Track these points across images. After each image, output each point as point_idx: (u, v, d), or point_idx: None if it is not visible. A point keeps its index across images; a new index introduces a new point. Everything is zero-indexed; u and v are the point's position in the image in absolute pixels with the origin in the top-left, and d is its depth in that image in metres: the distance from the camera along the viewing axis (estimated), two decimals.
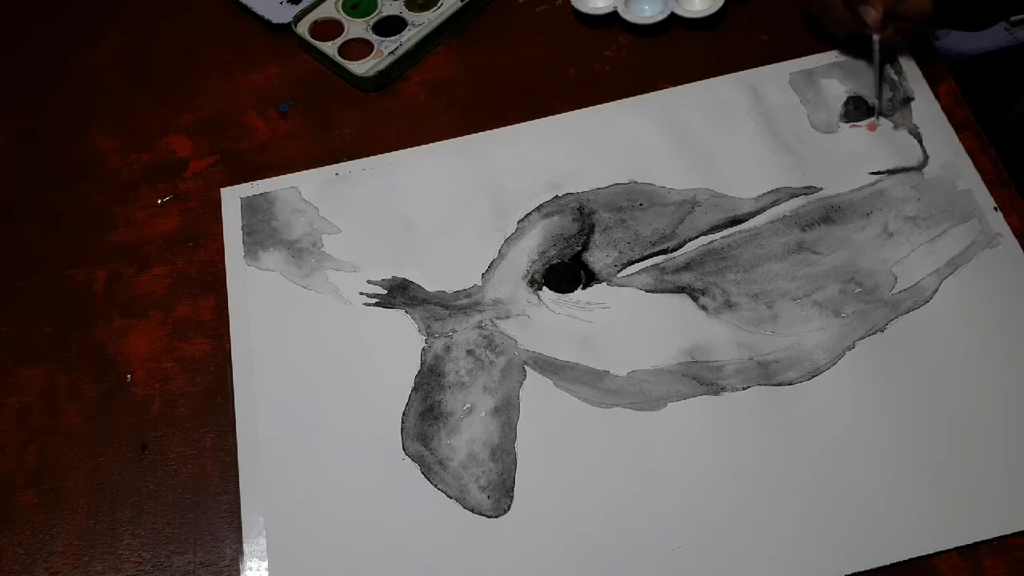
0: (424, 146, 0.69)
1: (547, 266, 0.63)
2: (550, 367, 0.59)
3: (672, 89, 0.70)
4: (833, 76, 0.69)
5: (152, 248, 0.67)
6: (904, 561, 0.51)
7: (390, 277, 0.63)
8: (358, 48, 0.74)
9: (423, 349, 0.60)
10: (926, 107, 0.66)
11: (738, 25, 0.73)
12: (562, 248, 0.64)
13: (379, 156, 0.69)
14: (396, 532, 0.54)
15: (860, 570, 0.51)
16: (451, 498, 0.55)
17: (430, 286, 0.63)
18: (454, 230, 0.65)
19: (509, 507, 0.55)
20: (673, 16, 0.72)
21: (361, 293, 0.63)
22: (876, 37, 0.65)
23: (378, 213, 0.66)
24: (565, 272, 0.63)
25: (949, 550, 0.51)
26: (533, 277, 0.63)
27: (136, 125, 0.73)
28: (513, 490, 0.55)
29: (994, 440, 0.54)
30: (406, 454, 0.57)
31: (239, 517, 0.56)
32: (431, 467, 0.56)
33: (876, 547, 0.52)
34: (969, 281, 0.59)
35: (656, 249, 0.63)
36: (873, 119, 0.66)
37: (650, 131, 0.68)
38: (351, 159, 0.69)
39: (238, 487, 0.57)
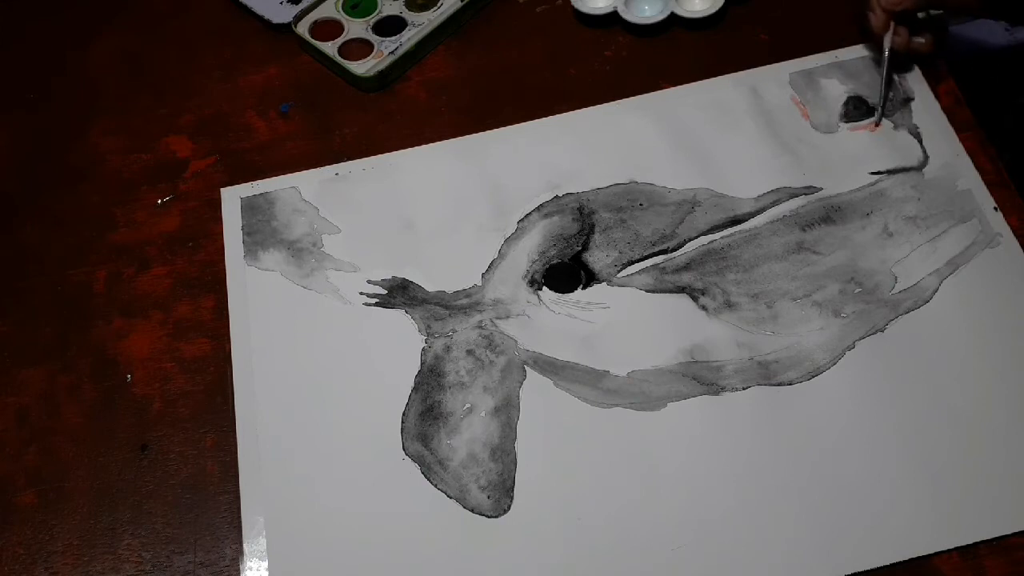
0: (424, 146, 0.69)
1: (547, 266, 0.63)
2: (550, 367, 0.59)
3: (672, 89, 0.70)
4: (833, 76, 0.69)
5: (152, 248, 0.67)
6: (904, 561, 0.51)
7: (390, 277, 0.63)
8: (358, 48, 0.74)
9: (423, 349, 0.60)
10: (926, 107, 0.67)
11: (738, 25, 0.73)
12: (562, 248, 0.64)
13: (379, 156, 0.69)
14: (396, 532, 0.54)
15: (860, 570, 0.51)
16: (451, 498, 0.55)
17: (430, 286, 0.63)
18: (454, 230, 0.65)
19: (509, 507, 0.55)
20: (673, 16, 0.72)
21: (361, 293, 0.63)
22: (886, 41, 0.65)
23: (378, 213, 0.66)
24: (565, 272, 0.63)
25: (949, 550, 0.51)
26: (533, 277, 0.63)
27: (136, 125, 0.73)
28: (513, 490, 0.55)
29: (994, 440, 0.54)
30: (406, 454, 0.57)
31: (239, 517, 0.56)
32: (431, 467, 0.56)
33: (876, 547, 0.52)
34: (969, 281, 0.59)
35: (656, 249, 0.63)
36: (873, 120, 0.66)
37: (650, 131, 0.68)
38: (351, 159, 0.69)
39: (238, 487, 0.57)
